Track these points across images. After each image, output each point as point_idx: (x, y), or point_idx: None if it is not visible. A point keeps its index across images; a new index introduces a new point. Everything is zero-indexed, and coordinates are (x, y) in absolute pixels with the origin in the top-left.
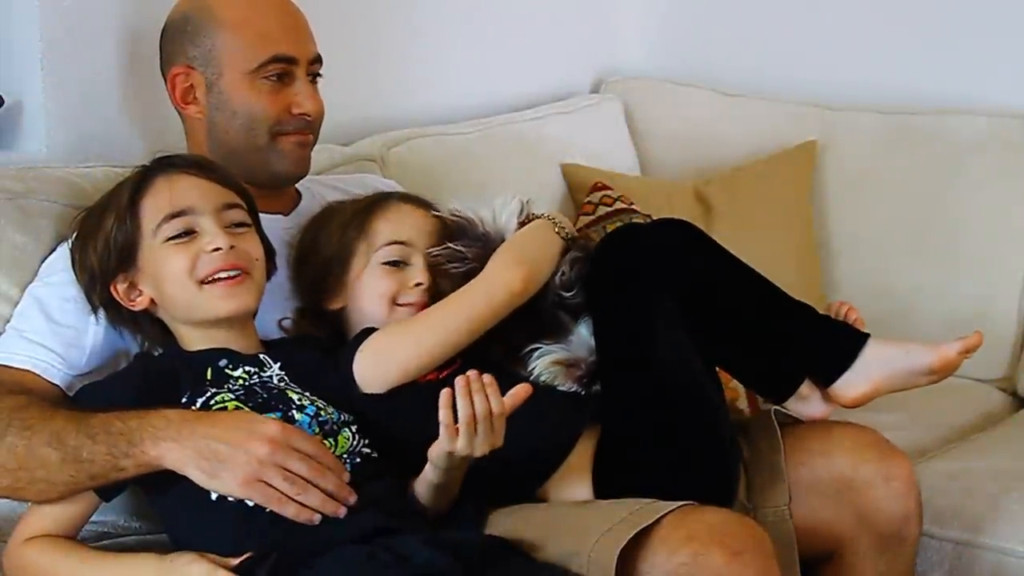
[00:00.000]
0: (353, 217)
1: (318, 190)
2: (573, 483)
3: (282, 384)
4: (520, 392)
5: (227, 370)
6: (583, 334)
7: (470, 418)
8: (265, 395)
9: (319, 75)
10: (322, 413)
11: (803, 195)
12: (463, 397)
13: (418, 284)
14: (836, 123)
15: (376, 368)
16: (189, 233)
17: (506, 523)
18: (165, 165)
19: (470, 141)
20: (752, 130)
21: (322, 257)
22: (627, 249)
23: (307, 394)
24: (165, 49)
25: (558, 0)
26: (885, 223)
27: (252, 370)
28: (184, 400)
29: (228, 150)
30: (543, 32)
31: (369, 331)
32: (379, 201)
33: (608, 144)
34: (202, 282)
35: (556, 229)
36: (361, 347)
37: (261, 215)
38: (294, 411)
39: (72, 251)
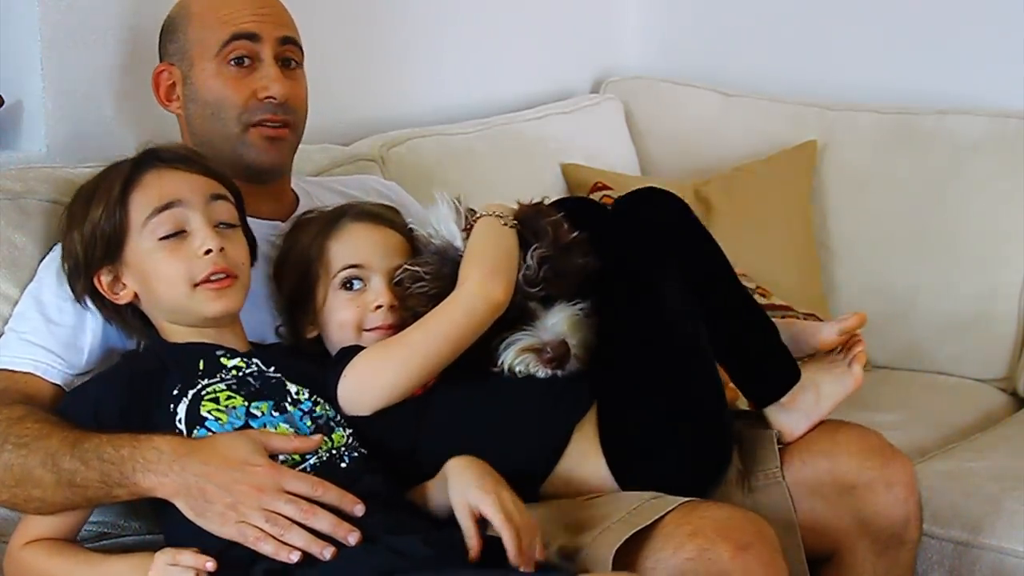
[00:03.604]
0: (312, 242)
1: (317, 193)
2: (586, 456)
3: (279, 375)
4: None
5: (222, 359)
6: (548, 321)
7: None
8: (258, 385)
9: (296, 61)
10: (317, 409)
11: (803, 195)
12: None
13: (379, 306)
14: (836, 123)
15: (360, 394)
16: (180, 233)
17: None
18: (154, 159)
19: (470, 141)
20: (752, 130)
21: (288, 287)
22: (642, 214)
23: (306, 390)
24: (159, 51)
25: (558, 0)
26: (885, 223)
27: (247, 362)
28: (175, 392)
29: (205, 142)
30: (543, 32)
31: (352, 350)
32: (333, 222)
33: (608, 144)
34: (196, 285)
35: (503, 222)
36: (344, 372)
37: (258, 220)
38: (288, 403)
39: (61, 239)
